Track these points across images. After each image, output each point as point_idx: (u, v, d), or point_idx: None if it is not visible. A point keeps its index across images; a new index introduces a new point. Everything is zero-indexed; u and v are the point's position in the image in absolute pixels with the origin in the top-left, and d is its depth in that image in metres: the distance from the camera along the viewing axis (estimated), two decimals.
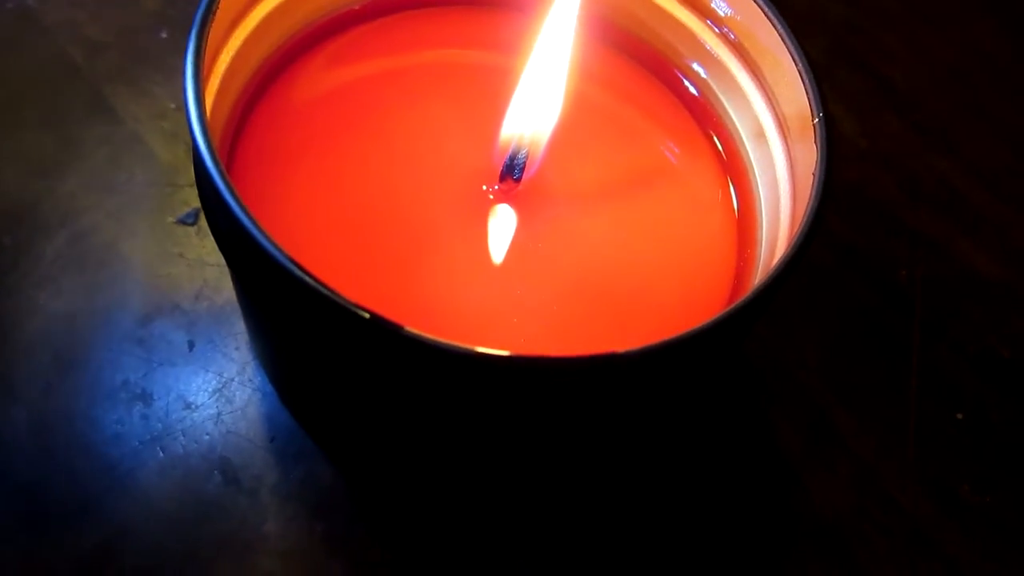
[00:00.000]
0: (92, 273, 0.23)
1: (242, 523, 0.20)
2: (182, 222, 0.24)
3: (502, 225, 0.20)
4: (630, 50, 0.22)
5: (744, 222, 0.20)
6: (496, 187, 0.20)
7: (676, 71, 0.21)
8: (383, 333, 0.14)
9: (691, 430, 0.23)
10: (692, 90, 0.22)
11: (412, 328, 0.14)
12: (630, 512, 0.22)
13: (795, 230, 0.17)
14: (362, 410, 0.19)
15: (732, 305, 0.15)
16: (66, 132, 0.25)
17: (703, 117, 0.22)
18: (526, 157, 0.20)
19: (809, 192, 0.17)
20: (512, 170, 0.20)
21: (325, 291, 0.14)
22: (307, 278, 0.14)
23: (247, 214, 0.14)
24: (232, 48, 0.18)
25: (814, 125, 0.17)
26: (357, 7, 0.21)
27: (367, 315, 0.14)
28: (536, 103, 0.19)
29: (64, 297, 0.23)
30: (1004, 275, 0.28)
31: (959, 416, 0.25)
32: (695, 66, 0.21)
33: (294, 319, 0.16)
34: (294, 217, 0.19)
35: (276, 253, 0.14)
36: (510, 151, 0.20)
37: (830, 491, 0.23)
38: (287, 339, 0.17)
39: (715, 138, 0.22)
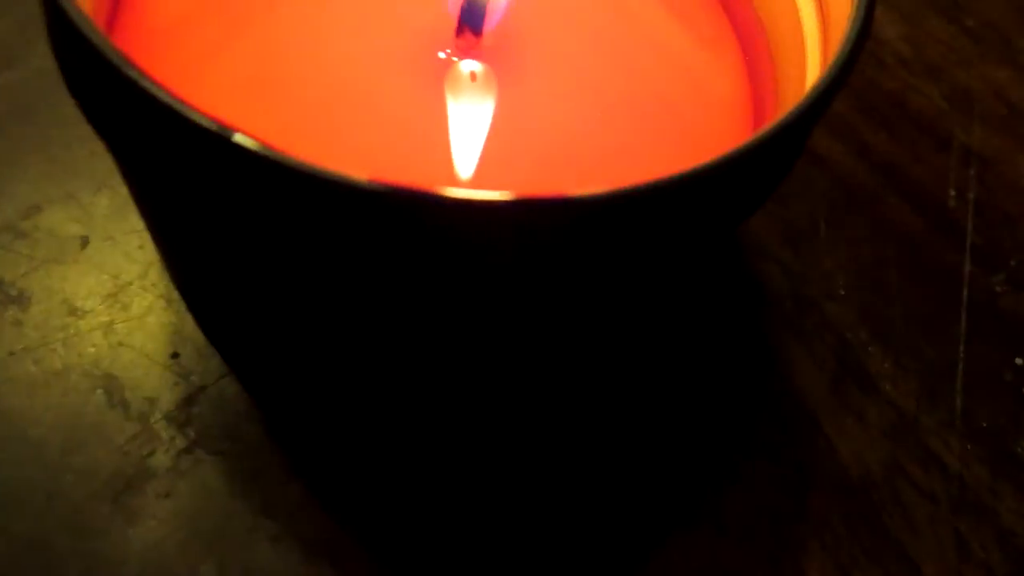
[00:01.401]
0: None
1: (124, 455, 0.16)
2: None
3: (465, 91, 0.16)
4: None
5: (756, 74, 0.16)
6: (451, 47, 0.16)
7: None
8: (264, 165, 0.10)
9: (691, 363, 0.19)
10: None
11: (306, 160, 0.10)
12: (618, 456, 0.18)
13: (830, 51, 0.13)
14: (274, 305, 0.15)
15: (762, 130, 0.11)
16: None
17: None
18: (487, 2, 0.15)
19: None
20: (472, 18, 0.16)
21: (186, 109, 0.10)
22: (164, 94, 0.10)
23: (99, 36, 0.11)
24: None
25: None
26: None
27: (234, 136, 0.10)
28: None
29: None
30: None
31: (1018, 361, 0.20)
32: None
33: (169, 170, 0.12)
34: (195, 95, 0.15)
35: (127, 67, 0.10)
36: None
37: (859, 443, 0.19)
38: (166, 198, 0.13)
39: None
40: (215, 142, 0.10)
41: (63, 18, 0.11)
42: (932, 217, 0.22)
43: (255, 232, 0.12)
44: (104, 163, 0.20)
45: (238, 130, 0.10)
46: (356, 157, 0.15)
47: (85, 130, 0.20)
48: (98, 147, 0.20)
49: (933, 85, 0.25)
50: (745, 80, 0.16)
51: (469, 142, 0.15)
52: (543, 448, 0.18)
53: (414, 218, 0.11)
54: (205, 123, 0.10)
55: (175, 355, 0.17)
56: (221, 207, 0.12)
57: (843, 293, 0.21)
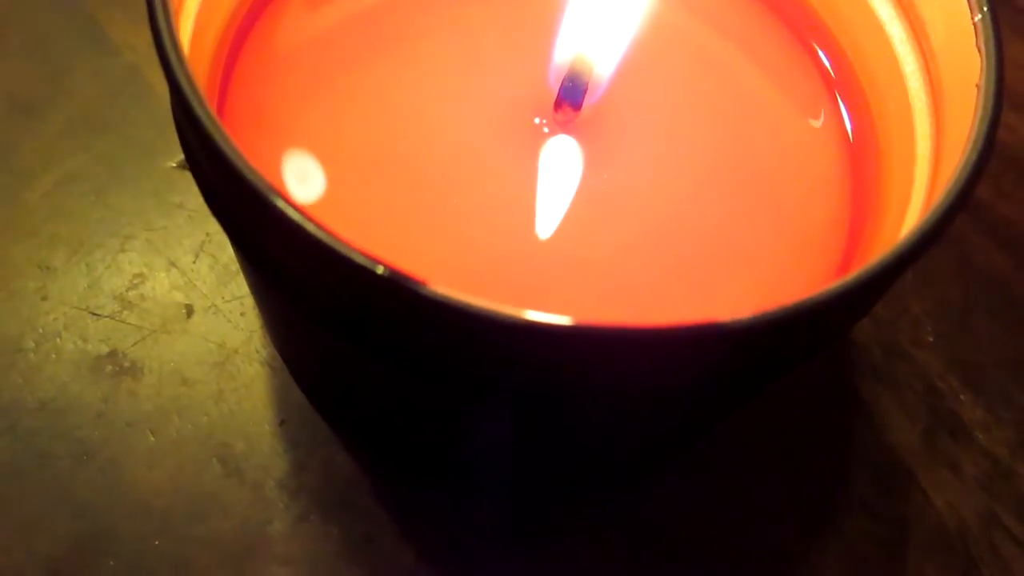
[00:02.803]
0: (78, 224, 0.20)
1: (244, 523, 0.17)
2: (184, 168, 0.21)
3: (558, 162, 0.16)
4: None
5: (860, 166, 0.16)
6: (548, 119, 0.16)
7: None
8: (403, 292, 0.10)
9: (787, 419, 0.19)
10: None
11: (440, 287, 0.10)
12: (714, 512, 0.18)
13: (939, 164, 0.13)
14: (385, 389, 0.15)
15: (873, 260, 0.11)
16: (53, 63, 0.22)
17: (808, 33, 0.17)
18: (589, 78, 0.16)
19: (974, 110, 0.12)
20: (572, 93, 0.16)
21: (333, 242, 0.10)
22: (311, 226, 0.10)
23: (235, 150, 0.11)
24: None
25: (975, 23, 0.13)
26: None
27: (382, 270, 0.10)
28: (604, 13, 0.15)
29: (44, 251, 0.19)
30: None
31: None
32: None
33: (301, 278, 0.12)
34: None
35: (271, 196, 0.11)
36: (569, 70, 0.16)
37: (954, 495, 0.19)
38: (292, 303, 0.14)
39: (824, 58, 0.17)
40: (401, 290, 0.10)
41: (212, 148, 0.11)
42: (1020, 255, 0.22)
43: (396, 354, 0.12)
44: (201, 229, 0.20)
45: (423, 281, 0.10)
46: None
47: (180, 197, 0.21)
48: (195, 213, 0.20)
49: (1017, 118, 0.25)
50: (847, 189, 0.16)
51: (553, 209, 0.15)
52: (628, 503, 0.18)
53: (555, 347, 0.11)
54: (358, 259, 0.11)
55: (283, 422, 0.18)
56: (372, 337, 0.12)
57: (931, 340, 0.21)
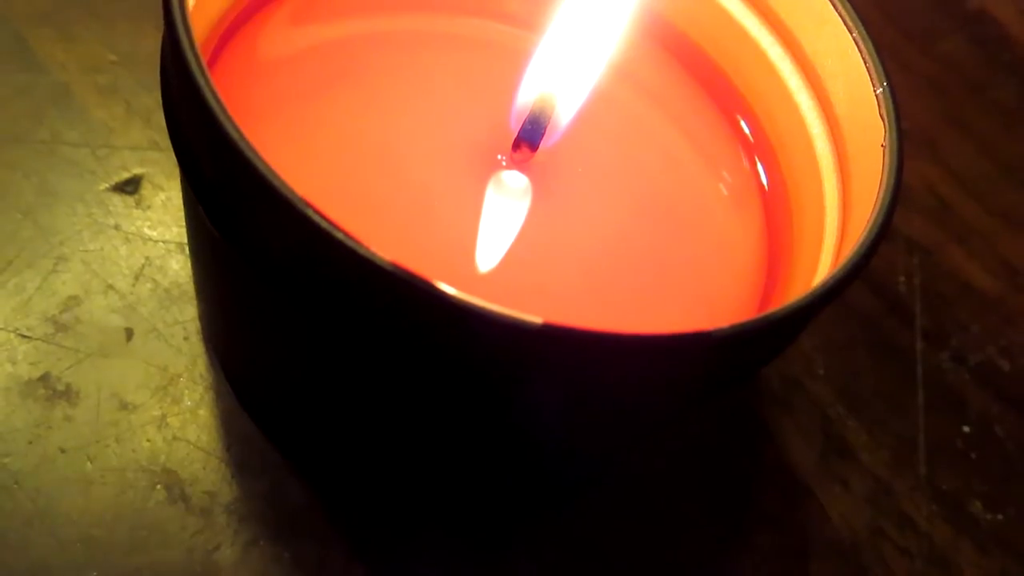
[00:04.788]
0: (5, 243, 0.19)
1: (190, 550, 0.17)
2: (119, 190, 0.21)
3: (508, 196, 0.17)
4: (678, 51, 0.20)
5: (774, 216, 0.18)
6: (506, 157, 0.17)
7: (720, 70, 0.19)
8: (360, 260, 0.11)
9: (702, 443, 0.21)
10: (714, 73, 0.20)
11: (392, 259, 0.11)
12: (640, 528, 0.19)
13: (848, 212, 0.15)
14: (332, 379, 0.16)
15: (830, 274, 0.13)
16: None
17: (729, 104, 0.20)
18: (548, 122, 0.17)
19: (881, 169, 0.15)
20: (532, 135, 0.17)
21: (333, 230, 0.11)
22: (308, 210, 0.11)
23: (231, 123, 0.11)
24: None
25: (877, 96, 0.16)
26: None
27: (387, 265, 0.11)
28: (569, 62, 0.17)
29: None
30: (996, 286, 0.27)
31: (966, 429, 0.23)
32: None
33: (261, 239, 0.13)
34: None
35: (265, 170, 0.11)
36: (530, 113, 0.17)
37: (846, 509, 0.21)
38: (256, 302, 0.14)
39: (743, 124, 0.20)
40: (403, 287, 0.11)
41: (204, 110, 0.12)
42: (888, 301, 0.25)
43: (333, 314, 0.13)
44: (140, 253, 0.20)
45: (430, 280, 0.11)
46: (392, 234, 0.16)
47: (116, 220, 0.20)
48: (133, 236, 0.20)
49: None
50: (764, 235, 0.18)
51: (496, 243, 0.17)
52: (562, 521, 0.19)
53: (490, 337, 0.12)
54: (388, 266, 0.11)
55: (229, 447, 0.18)
56: (351, 340, 0.13)
57: (821, 372, 0.23)
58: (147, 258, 0.20)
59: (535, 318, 0.11)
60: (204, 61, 0.12)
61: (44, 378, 0.18)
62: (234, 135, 0.11)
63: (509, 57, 0.17)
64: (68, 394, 0.18)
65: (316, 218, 0.11)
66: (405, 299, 0.12)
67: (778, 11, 0.18)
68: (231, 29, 0.16)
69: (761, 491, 0.21)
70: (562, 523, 0.19)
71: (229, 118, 0.11)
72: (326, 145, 0.16)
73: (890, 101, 0.15)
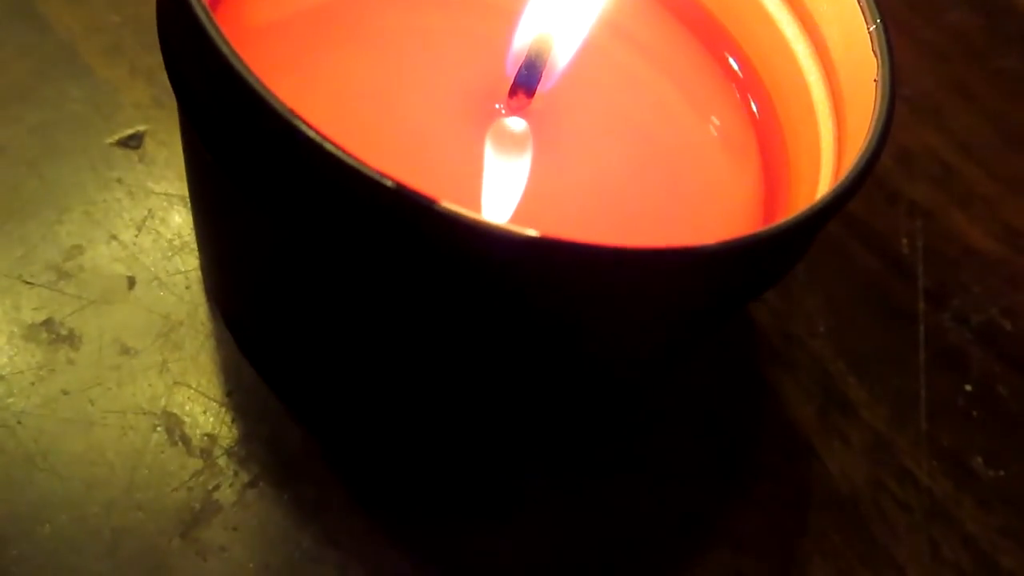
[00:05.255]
0: (9, 194, 0.19)
1: (190, 490, 0.17)
2: (123, 144, 0.21)
3: (504, 146, 0.17)
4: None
5: (771, 159, 0.18)
6: (504, 104, 0.17)
7: (706, 11, 0.19)
8: (410, 209, 0.11)
9: (700, 397, 0.21)
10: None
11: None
12: (640, 478, 0.19)
13: (843, 146, 0.15)
14: (342, 338, 0.16)
15: (815, 201, 0.13)
16: None
17: (722, 48, 0.20)
18: (543, 68, 0.17)
19: (874, 101, 0.15)
20: (528, 80, 0.17)
21: (323, 141, 0.11)
22: (304, 126, 0.11)
23: (230, 48, 0.12)
24: None
25: (870, 33, 0.16)
26: None
27: (390, 184, 0.11)
28: (562, 10, 0.17)
29: None
30: (998, 249, 0.27)
31: (968, 388, 0.23)
32: None
33: (277, 196, 0.13)
34: None
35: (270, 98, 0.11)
36: (525, 59, 0.17)
37: (845, 463, 0.21)
38: (252, 231, 0.14)
39: (736, 67, 0.20)
40: (409, 207, 0.11)
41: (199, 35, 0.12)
42: (890, 262, 0.25)
43: (328, 238, 0.13)
44: (143, 205, 0.20)
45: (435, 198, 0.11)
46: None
47: (120, 173, 0.21)
48: (135, 189, 0.20)
49: (887, 159, 0.28)
50: (760, 175, 0.18)
51: (501, 195, 0.17)
52: (561, 473, 0.19)
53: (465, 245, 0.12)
54: (391, 185, 0.11)
55: (230, 392, 0.18)
56: (300, 213, 0.13)
57: (823, 330, 0.23)
58: (150, 210, 0.20)
59: (530, 230, 0.11)
60: None
61: (47, 323, 0.18)
62: (223, 48, 0.12)
63: (504, 11, 0.18)
64: (71, 338, 0.18)
65: (305, 128, 0.11)
66: (394, 211, 0.12)
67: None
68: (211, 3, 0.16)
69: (759, 445, 0.21)
70: (561, 476, 0.19)
71: (220, 34, 0.12)
72: (323, 102, 0.16)
73: (883, 36, 0.15)
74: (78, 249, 0.19)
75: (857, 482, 0.21)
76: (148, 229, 0.20)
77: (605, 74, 0.19)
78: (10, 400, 0.17)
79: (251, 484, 0.17)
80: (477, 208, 0.16)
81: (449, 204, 0.12)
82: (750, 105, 0.19)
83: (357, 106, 0.17)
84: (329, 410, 0.18)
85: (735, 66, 0.19)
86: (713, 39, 0.19)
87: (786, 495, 0.20)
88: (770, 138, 0.18)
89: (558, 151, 0.17)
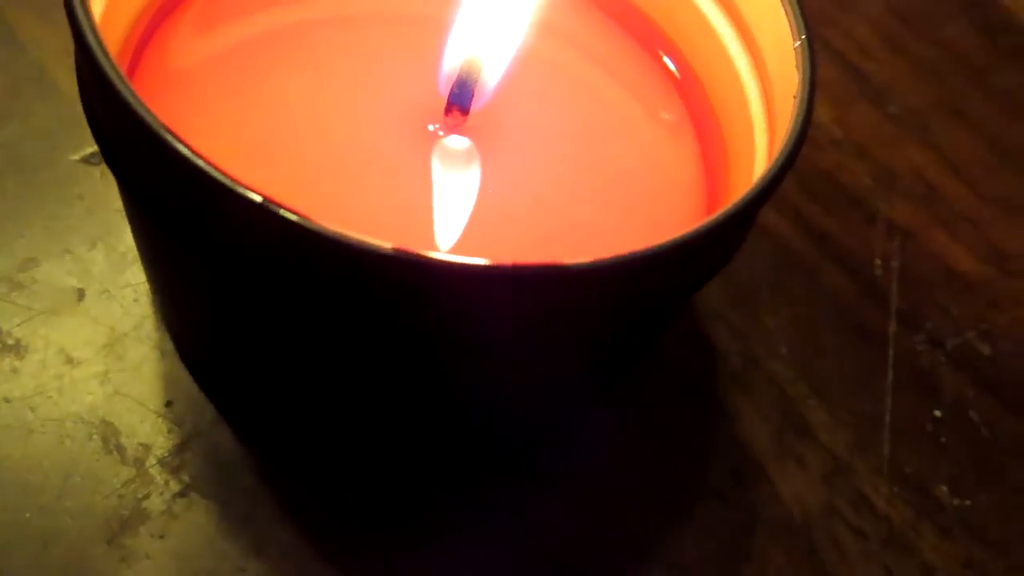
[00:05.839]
0: None
1: (121, 498, 0.17)
2: (86, 161, 0.21)
3: (450, 165, 0.17)
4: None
5: (713, 170, 0.18)
6: (440, 122, 0.18)
7: (640, 11, 0.19)
8: (270, 217, 0.11)
9: (651, 416, 0.21)
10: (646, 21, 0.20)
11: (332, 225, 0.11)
12: (576, 492, 0.19)
13: (775, 150, 0.15)
14: (262, 358, 0.16)
15: (713, 216, 0.13)
16: None
17: (655, 45, 0.20)
18: (475, 84, 0.17)
19: (791, 115, 0.15)
20: (461, 98, 0.17)
21: (210, 169, 0.12)
22: (197, 159, 0.12)
23: (124, 82, 0.12)
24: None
25: (795, 48, 0.15)
26: None
27: (258, 199, 0.11)
28: (491, 23, 0.17)
29: None
30: (981, 271, 0.26)
31: (937, 413, 0.23)
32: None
33: (183, 212, 0.13)
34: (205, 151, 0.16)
35: (157, 126, 0.12)
36: (457, 78, 0.17)
37: (799, 487, 0.21)
38: (172, 239, 0.14)
39: (671, 65, 0.19)
40: (259, 212, 0.12)
41: (114, 96, 0.12)
42: (862, 283, 0.25)
43: (256, 279, 0.13)
44: (100, 220, 0.21)
45: (307, 216, 0.12)
46: (344, 221, 0.16)
47: (81, 189, 0.21)
48: (94, 205, 0.21)
49: (862, 164, 0.28)
50: (700, 162, 0.18)
51: (452, 214, 0.17)
52: (503, 489, 0.19)
53: (413, 281, 0.12)
54: (252, 196, 0.12)
55: (169, 403, 0.18)
56: (227, 257, 0.13)
57: (784, 351, 0.23)
58: (107, 225, 0.21)
59: (385, 244, 0.12)
60: (98, 31, 0.13)
61: None
62: (114, 79, 0.12)
63: (432, 28, 0.18)
64: (17, 348, 0.18)
65: (187, 153, 0.12)
66: (277, 235, 0.12)
67: None
68: (138, 49, 0.17)
69: (709, 467, 0.20)
70: (503, 492, 0.19)
71: (122, 78, 0.12)
72: (257, 136, 0.16)
73: (806, 53, 0.15)
74: (33, 261, 0.20)
75: (810, 507, 0.20)
76: (103, 244, 0.20)
77: (543, 76, 0.19)
78: None
79: (181, 494, 0.17)
80: (430, 230, 0.16)
81: (336, 227, 0.12)
82: (687, 102, 0.19)
83: (289, 138, 0.17)
84: (263, 424, 0.19)
85: (671, 66, 0.19)
86: (650, 39, 0.19)
87: (734, 519, 0.20)
88: (708, 131, 0.18)
89: (503, 163, 0.18)
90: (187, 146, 0.12)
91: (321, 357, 0.15)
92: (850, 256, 0.25)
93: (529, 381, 0.17)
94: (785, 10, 0.16)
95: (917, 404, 0.23)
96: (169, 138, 0.12)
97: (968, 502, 0.21)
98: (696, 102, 0.19)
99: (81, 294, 0.19)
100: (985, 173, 0.29)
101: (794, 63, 0.15)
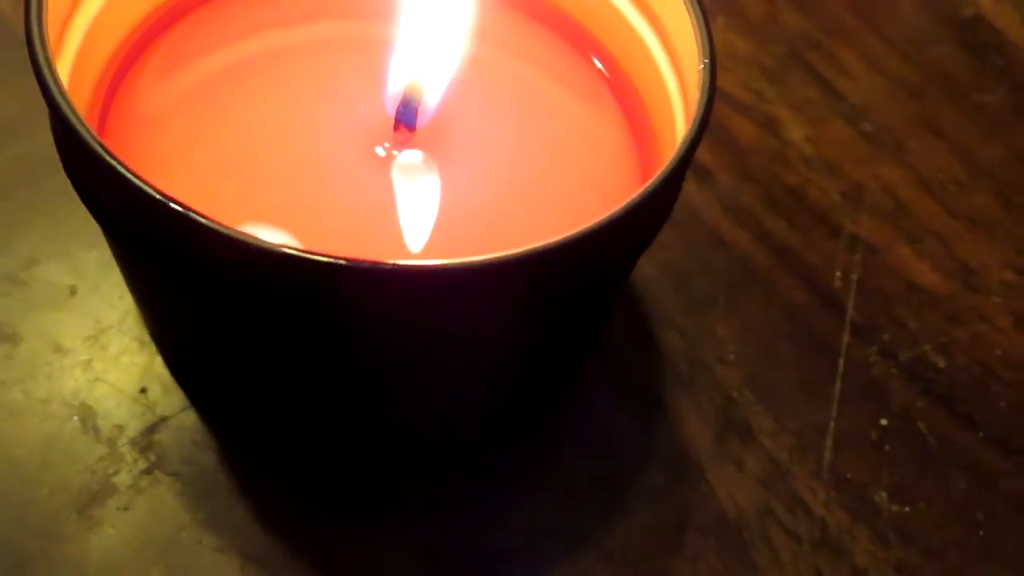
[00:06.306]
0: None
1: (93, 472, 0.19)
2: None
3: (408, 173, 0.19)
4: (531, 8, 0.21)
5: (638, 132, 0.20)
6: (389, 140, 0.19)
7: (576, 21, 0.21)
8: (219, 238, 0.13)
9: (592, 415, 0.22)
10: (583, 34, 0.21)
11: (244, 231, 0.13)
12: (508, 485, 0.20)
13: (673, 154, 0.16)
14: (228, 344, 0.18)
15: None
16: None
17: (608, 72, 0.21)
18: (419, 103, 0.19)
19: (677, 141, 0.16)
20: (406, 117, 0.19)
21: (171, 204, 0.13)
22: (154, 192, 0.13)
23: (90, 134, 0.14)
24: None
25: (699, 70, 0.17)
26: None
27: (199, 218, 0.13)
28: (427, 49, 0.19)
29: None
30: (946, 286, 0.26)
31: (883, 422, 0.23)
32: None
33: (155, 243, 0.15)
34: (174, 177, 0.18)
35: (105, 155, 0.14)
36: (402, 98, 0.19)
37: (735, 489, 0.21)
38: (148, 267, 0.16)
39: (599, 69, 0.21)
40: (216, 235, 0.13)
41: (84, 149, 0.14)
42: (819, 295, 0.25)
43: (221, 297, 0.15)
44: (96, 225, 0.23)
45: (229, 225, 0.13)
46: (313, 238, 0.18)
47: None
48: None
49: (831, 181, 0.29)
50: (630, 136, 0.20)
51: (418, 220, 0.18)
52: (436, 482, 0.20)
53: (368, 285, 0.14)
54: (209, 223, 0.13)
55: (143, 390, 0.20)
56: (194, 278, 0.15)
57: (733, 358, 0.24)
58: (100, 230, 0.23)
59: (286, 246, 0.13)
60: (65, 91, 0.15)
61: None
62: (83, 134, 0.14)
63: (375, 48, 0.19)
64: (12, 337, 0.21)
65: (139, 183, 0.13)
66: (230, 255, 0.14)
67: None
68: (107, 97, 0.18)
69: (647, 466, 0.21)
70: (436, 485, 0.20)
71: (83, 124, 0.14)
72: (224, 165, 0.18)
73: (707, 76, 0.16)
74: (34, 261, 0.22)
75: (745, 508, 0.21)
76: (97, 247, 0.22)
77: (484, 80, 0.20)
78: None
79: (147, 471, 0.19)
80: (398, 237, 0.18)
81: (249, 234, 0.14)
82: (615, 94, 0.20)
83: (260, 159, 0.18)
84: (226, 411, 0.20)
85: (600, 66, 0.21)
86: (580, 41, 0.21)
87: (667, 516, 0.21)
88: (635, 114, 0.20)
89: (455, 167, 0.19)
90: (147, 183, 0.14)
91: (278, 355, 0.17)
92: (810, 270, 0.26)
93: (472, 371, 0.18)
94: (695, 34, 0.17)
95: (864, 413, 0.23)
96: (132, 178, 0.14)
97: (907, 508, 0.22)
98: (623, 93, 0.20)
99: (74, 290, 0.22)
100: (957, 190, 0.29)
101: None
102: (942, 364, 0.25)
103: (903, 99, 0.31)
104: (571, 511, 0.21)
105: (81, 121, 0.15)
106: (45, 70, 0.15)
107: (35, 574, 0.18)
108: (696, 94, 0.16)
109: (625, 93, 0.20)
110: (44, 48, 0.15)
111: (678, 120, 0.18)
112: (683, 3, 0.17)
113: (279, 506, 0.19)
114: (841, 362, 0.24)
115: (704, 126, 0.16)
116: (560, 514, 0.20)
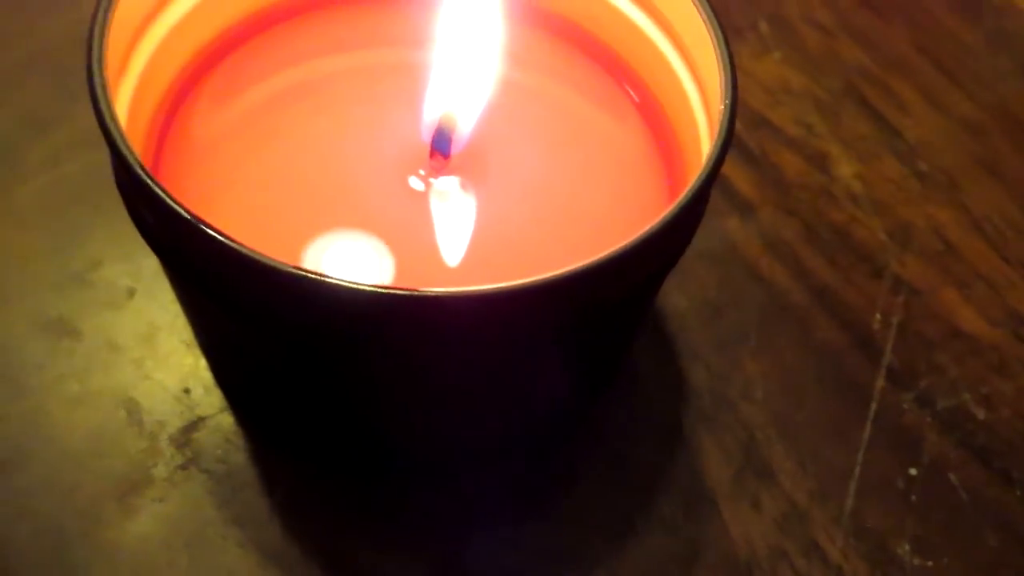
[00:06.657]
0: (58, 218, 0.24)
1: (133, 463, 0.20)
2: None
3: (445, 198, 0.19)
4: (562, 33, 0.22)
5: (664, 147, 0.20)
6: (425, 167, 0.20)
7: (606, 46, 0.21)
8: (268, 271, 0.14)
9: (613, 444, 0.22)
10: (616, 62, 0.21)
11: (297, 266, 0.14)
12: (523, 510, 0.21)
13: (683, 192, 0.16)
14: (269, 367, 0.19)
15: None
16: (63, 87, 0.27)
17: (635, 94, 0.21)
18: (453, 131, 0.20)
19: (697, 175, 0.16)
20: (442, 145, 0.20)
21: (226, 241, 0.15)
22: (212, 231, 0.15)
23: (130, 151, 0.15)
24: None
25: (720, 111, 0.17)
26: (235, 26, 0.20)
27: (250, 253, 0.14)
28: (461, 77, 0.19)
29: (29, 238, 0.24)
30: (991, 334, 0.25)
31: (913, 471, 0.23)
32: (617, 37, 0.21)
33: (204, 275, 0.16)
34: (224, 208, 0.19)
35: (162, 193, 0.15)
36: (436, 128, 0.20)
37: (750, 528, 0.21)
38: (200, 295, 0.18)
39: (627, 91, 0.21)
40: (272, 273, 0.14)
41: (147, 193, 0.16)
42: (855, 336, 0.25)
43: (270, 325, 0.16)
44: None
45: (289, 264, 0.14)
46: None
47: None
48: None
49: (878, 219, 0.28)
50: (658, 156, 0.20)
51: (455, 239, 0.19)
52: (450, 503, 0.21)
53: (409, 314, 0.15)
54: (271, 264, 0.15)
55: (187, 390, 0.22)
56: (243, 308, 0.16)
57: (760, 395, 0.24)
58: None
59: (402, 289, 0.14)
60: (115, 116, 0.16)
61: (59, 319, 0.22)
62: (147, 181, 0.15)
63: (414, 73, 0.20)
64: (75, 333, 0.22)
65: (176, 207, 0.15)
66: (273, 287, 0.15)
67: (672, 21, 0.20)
68: (164, 125, 0.20)
69: (663, 498, 0.22)
70: (455, 501, 0.21)
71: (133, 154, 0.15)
72: (270, 197, 0.19)
73: (726, 118, 0.17)
74: (99, 263, 0.24)
75: (758, 548, 0.21)
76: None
77: (516, 102, 0.21)
78: (21, 376, 0.22)
79: (182, 467, 0.21)
80: (439, 263, 0.19)
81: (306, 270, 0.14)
82: (646, 119, 0.21)
83: (307, 184, 0.19)
84: (263, 416, 0.21)
85: (628, 88, 0.21)
86: (611, 66, 0.21)
87: (678, 550, 0.21)
88: (664, 136, 0.20)
89: (490, 190, 0.20)
90: (198, 218, 0.15)
91: (316, 375, 0.18)
92: (847, 309, 0.26)
93: (504, 389, 0.19)
94: (720, 73, 0.17)
95: (892, 461, 0.23)
96: (194, 221, 0.15)
97: (930, 563, 0.21)
98: (651, 114, 0.21)
99: (132, 292, 0.23)
100: (1014, 235, 0.28)
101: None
102: (981, 415, 0.24)
103: (963, 138, 0.30)
104: (583, 537, 0.21)
105: (138, 161, 0.16)
106: (105, 112, 0.16)
107: (74, 554, 0.19)
108: (719, 107, 0.17)
109: (652, 114, 0.21)
110: (105, 93, 0.17)
111: (703, 140, 0.18)
112: (704, 26, 0.18)
113: (301, 509, 0.20)
114: (873, 406, 0.24)
115: (727, 145, 0.16)
116: (572, 539, 0.21)
